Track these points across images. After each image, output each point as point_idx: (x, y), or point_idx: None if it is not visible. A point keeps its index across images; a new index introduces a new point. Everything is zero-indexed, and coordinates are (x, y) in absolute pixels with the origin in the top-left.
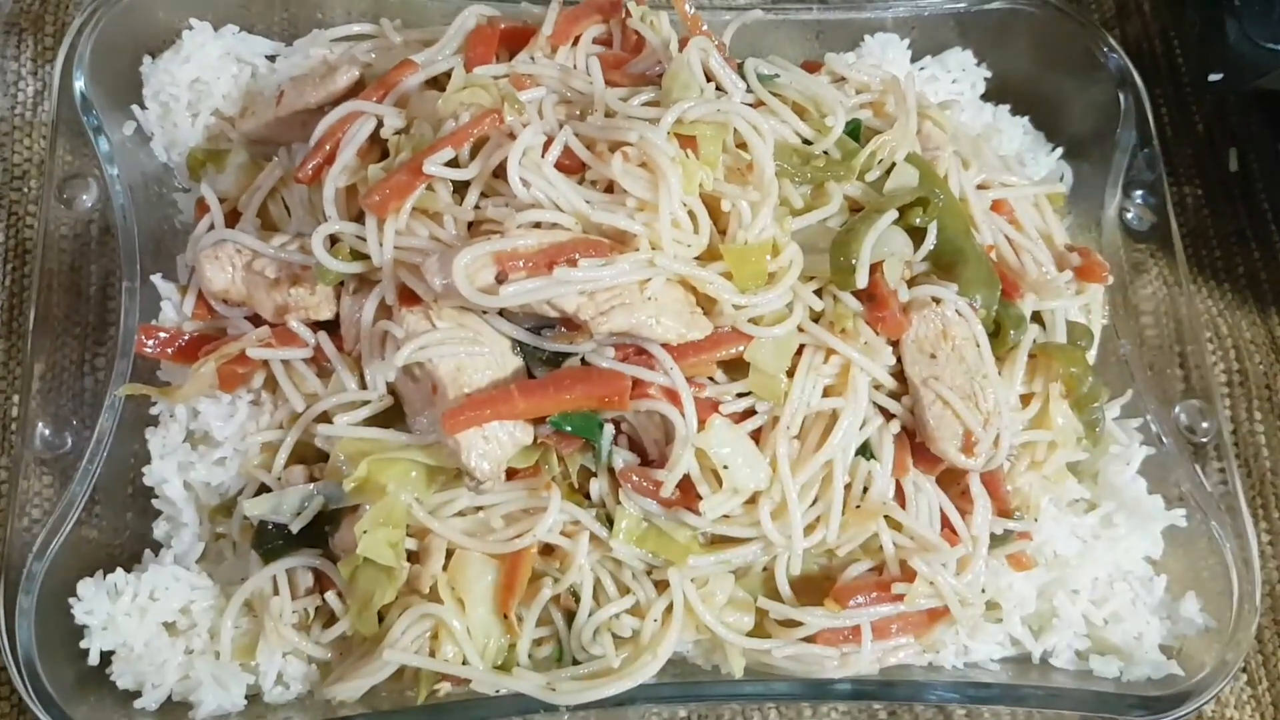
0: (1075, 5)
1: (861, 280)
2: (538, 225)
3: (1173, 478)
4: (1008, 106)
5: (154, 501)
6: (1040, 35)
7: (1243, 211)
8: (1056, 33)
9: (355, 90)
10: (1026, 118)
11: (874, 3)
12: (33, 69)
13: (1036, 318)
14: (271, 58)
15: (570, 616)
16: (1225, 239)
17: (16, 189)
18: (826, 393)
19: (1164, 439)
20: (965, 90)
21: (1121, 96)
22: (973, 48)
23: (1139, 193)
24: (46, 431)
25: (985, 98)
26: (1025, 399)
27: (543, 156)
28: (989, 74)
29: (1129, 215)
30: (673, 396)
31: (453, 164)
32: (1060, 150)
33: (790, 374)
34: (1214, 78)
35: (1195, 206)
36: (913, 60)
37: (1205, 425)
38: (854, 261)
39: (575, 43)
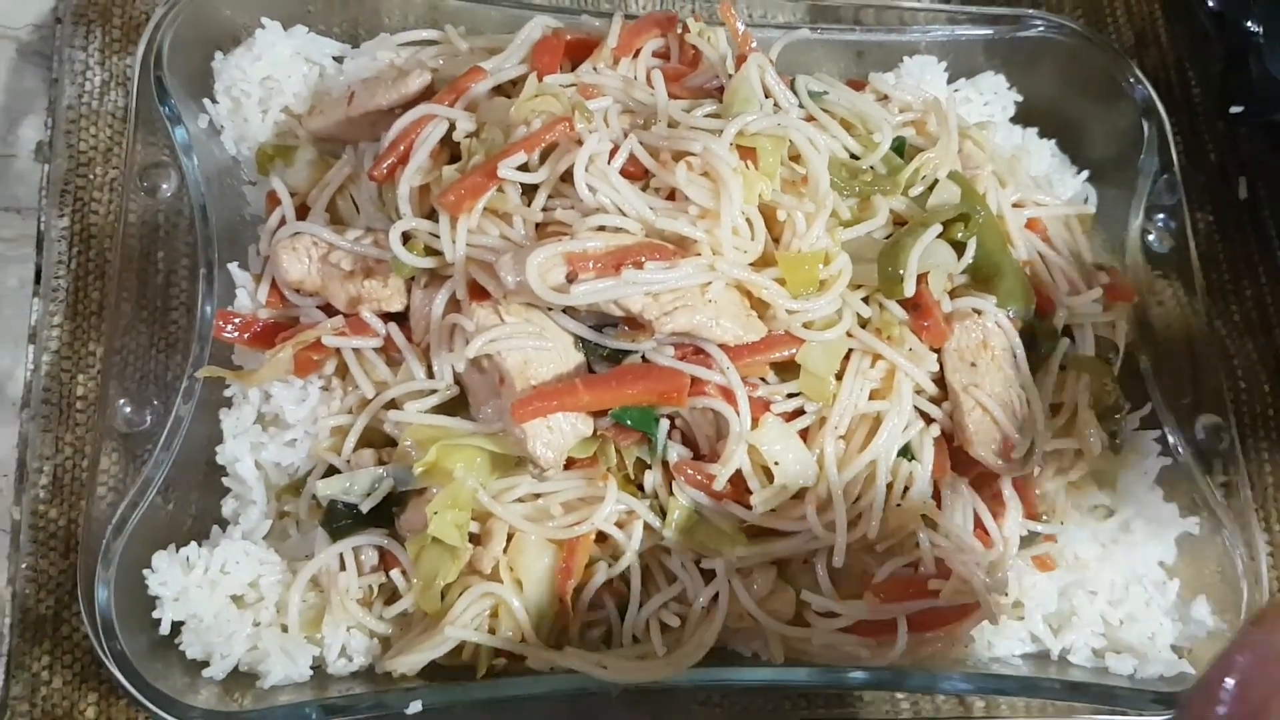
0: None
1: (909, 289)
2: (602, 229)
3: (1186, 488)
4: (1035, 129)
5: (224, 480)
6: (1069, 63)
7: (1251, 237)
8: (1085, 61)
9: (426, 94)
10: (1054, 141)
11: (913, 26)
12: (100, 59)
13: (1067, 331)
14: (338, 59)
15: (620, 600)
16: (1234, 264)
17: (83, 175)
18: (872, 396)
19: (1179, 451)
20: (996, 113)
21: (1145, 124)
22: (1004, 72)
23: (1160, 216)
24: (128, 409)
25: (1014, 120)
26: (1055, 408)
27: (609, 163)
28: (1020, 98)
29: (1150, 238)
30: (728, 395)
31: (523, 168)
32: (1086, 173)
33: (838, 377)
34: (1235, 110)
35: (1207, 232)
36: (948, 82)
37: (1220, 439)
38: (902, 272)
39: (636, 55)
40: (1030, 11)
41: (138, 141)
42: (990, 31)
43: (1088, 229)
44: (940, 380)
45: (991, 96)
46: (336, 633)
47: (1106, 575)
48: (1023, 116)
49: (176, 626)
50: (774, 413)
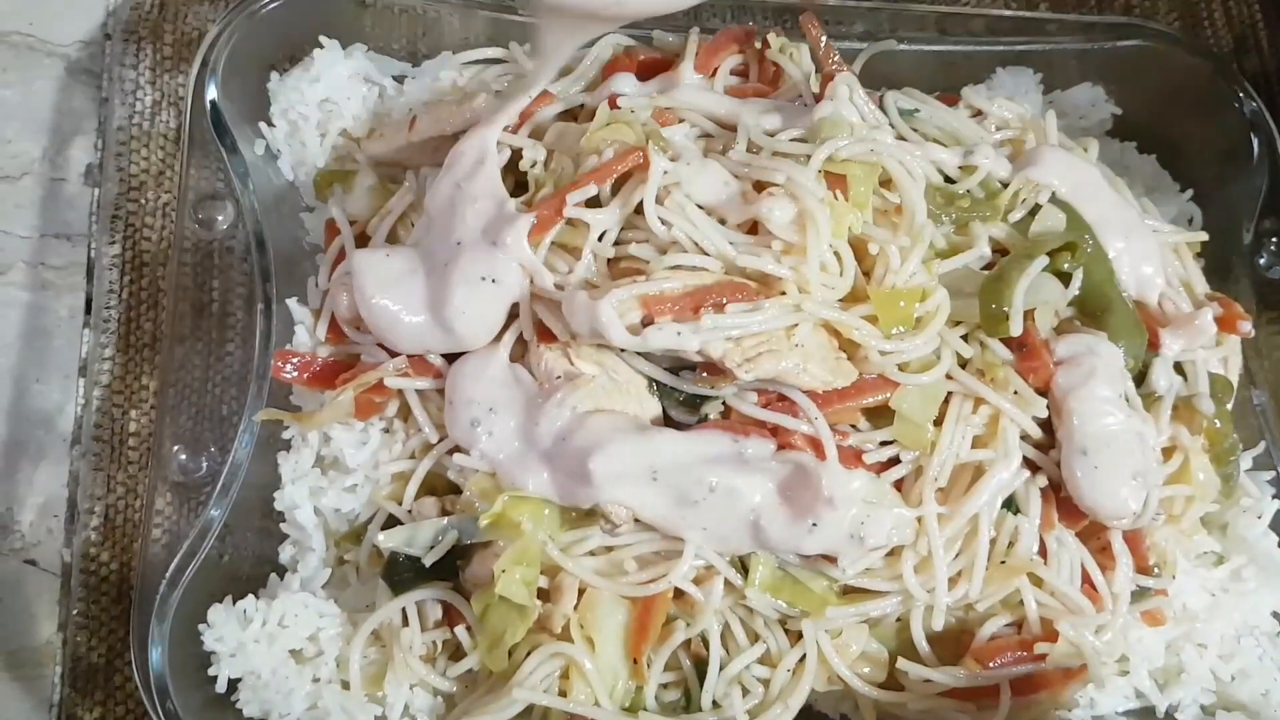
0: (1194, 40)
1: (1015, 328)
2: (679, 267)
3: None
4: (1134, 144)
5: (282, 526)
6: (1170, 73)
7: None
8: (1187, 72)
9: None
10: (1154, 156)
11: (1002, 36)
12: (151, 78)
13: (1177, 368)
14: (399, 78)
15: (698, 662)
16: None
17: (134, 200)
18: (974, 443)
19: None
20: (1093, 127)
21: (1254, 139)
22: (1100, 83)
23: (1273, 238)
24: (183, 456)
25: (1111, 134)
26: (1167, 452)
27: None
28: (1118, 110)
29: (1261, 261)
30: (816, 446)
31: (593, 201)
32: (1190, 191)
33: (937, 423)
34: None
35: None
36: (1043, 94)
37: None
38: (1007, 309)
39: (713, 74)
40: (1128, 19)
41: (190, 169)
42: (1087, 40)
43: (1196, 253)
44: (1046, 424)
45: (1089, 109)
46: (399, 691)
47: (1217, 627)
48: (1120, 130)
49: (233, 683)
50: (866, 463)
